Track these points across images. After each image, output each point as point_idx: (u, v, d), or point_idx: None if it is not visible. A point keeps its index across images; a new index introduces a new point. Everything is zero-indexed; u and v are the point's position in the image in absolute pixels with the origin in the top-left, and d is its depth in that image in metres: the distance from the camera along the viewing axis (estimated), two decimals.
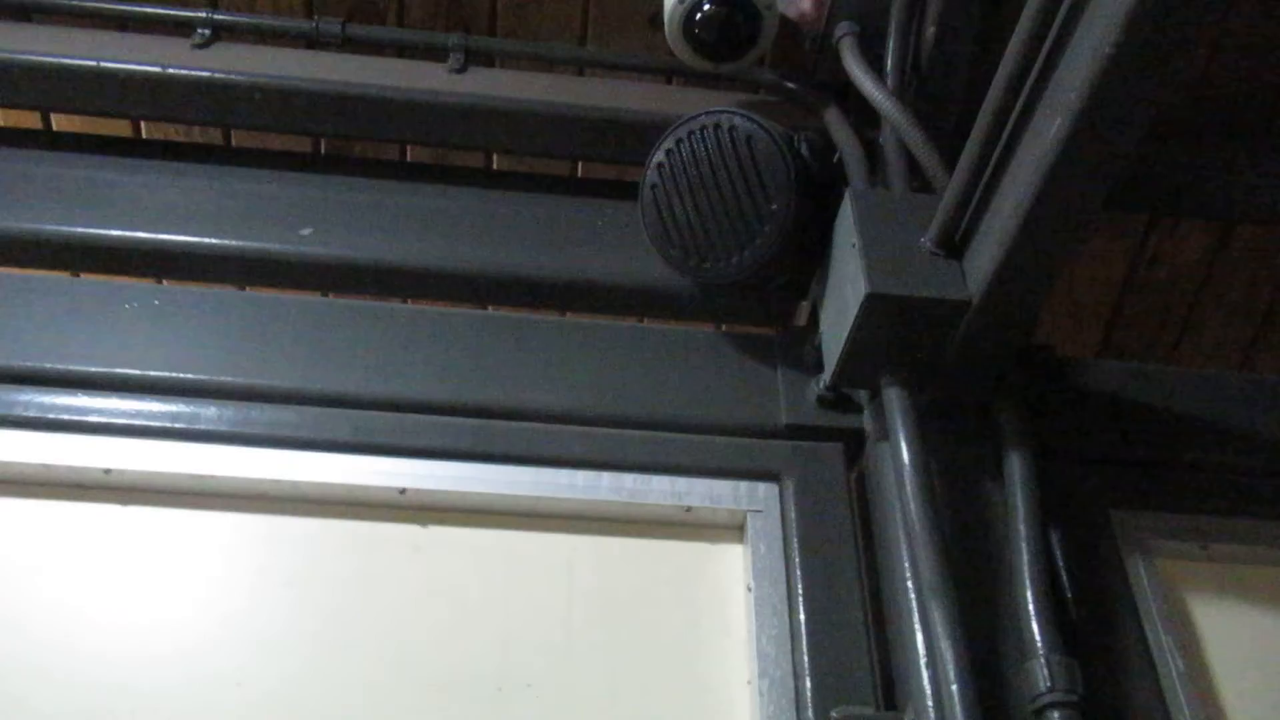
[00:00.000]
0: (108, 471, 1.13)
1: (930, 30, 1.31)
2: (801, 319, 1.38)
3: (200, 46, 1.44)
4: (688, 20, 1.32)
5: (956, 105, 1.34)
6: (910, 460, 1.08)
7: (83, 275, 1.42)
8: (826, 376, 1.21)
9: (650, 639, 1.10)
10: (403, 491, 1.15)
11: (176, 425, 1.16)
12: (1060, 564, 1.13)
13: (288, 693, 1.03)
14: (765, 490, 1.19)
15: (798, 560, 1.13)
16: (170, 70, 1.38)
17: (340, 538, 1.14)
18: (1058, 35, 0.91)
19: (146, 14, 1.47)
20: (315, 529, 1.14)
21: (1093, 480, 1.21)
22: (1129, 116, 0.89)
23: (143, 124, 1.58)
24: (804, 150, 1.22)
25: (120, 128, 1.56)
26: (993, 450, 1.16)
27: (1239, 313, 1.81)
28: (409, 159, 1.63)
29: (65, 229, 1.35)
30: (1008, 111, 0.98)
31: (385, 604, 1.10)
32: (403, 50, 1.52)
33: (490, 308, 1.47)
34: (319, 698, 1.04)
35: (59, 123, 1.57)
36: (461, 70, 1.47)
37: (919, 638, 1.02)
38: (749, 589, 1.13)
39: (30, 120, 1.57)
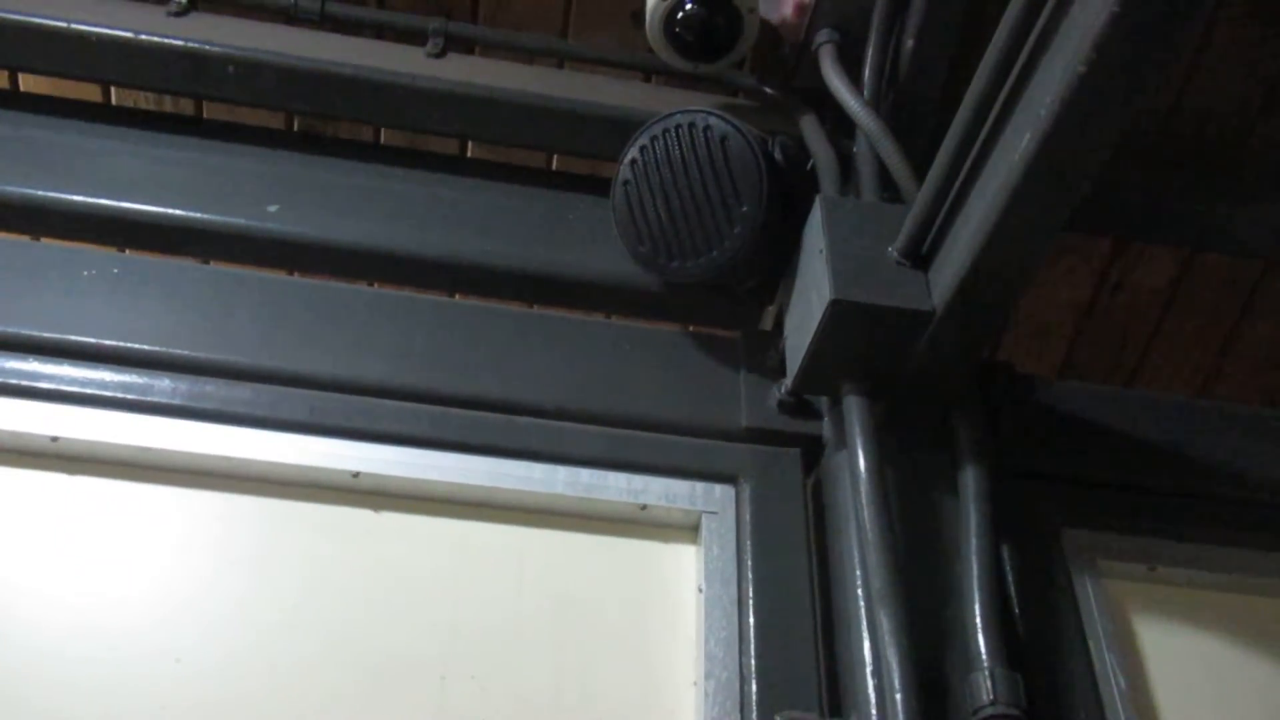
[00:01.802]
0: (55, 439, 1.11)
1: (909, 43, 1.31)
2: (767, 323, 1.38)
3: (176, 15, 1.42)
4: (669, 19, 1.32)
5: (932, 118, 1.34)
6: (866, 469, 1.09)
7: (42, 239, 1.40)
8: (788, 381, 1.21)
9: (599, 635, 1.10)
10: (356, 475, 1.14)
11: (128, 396, 1.14)
12: (1010, 579, 1.14)
13: (227, 672, 1.02)
14: (721, 492, 1.19)
15: (750, 563, 1.13)
16: (143, 37, 1.36)
17: (290, 518, 1.12)
18: (1030, 53, 0.92)
19: None
20: (265, 508, 1.13)
21: (1045, 498, 1.23)
22: (1097, 136, 0.89)
23: (113, 90, 1.56)
24: (778, 154, 1.22)
25: (90, 92, 1.53)
26: (949, 463, 1.16)
27: (1199, 340, 1.83)
28: (383, 141, 1.61)
29: (27, 191, 1.33)
30: (979, 126, 0.99)
31: (332, 587, 1.09)
32: (382, 32, 1.50)
33: (456, 295, 1.46)
34: (258, 678, 1.02)
35: (26, 83, 1.54)
36: (440, 55, 1.46)
37: (866, 645, 1.03)
38: (700, 590, 1.12)
39: None
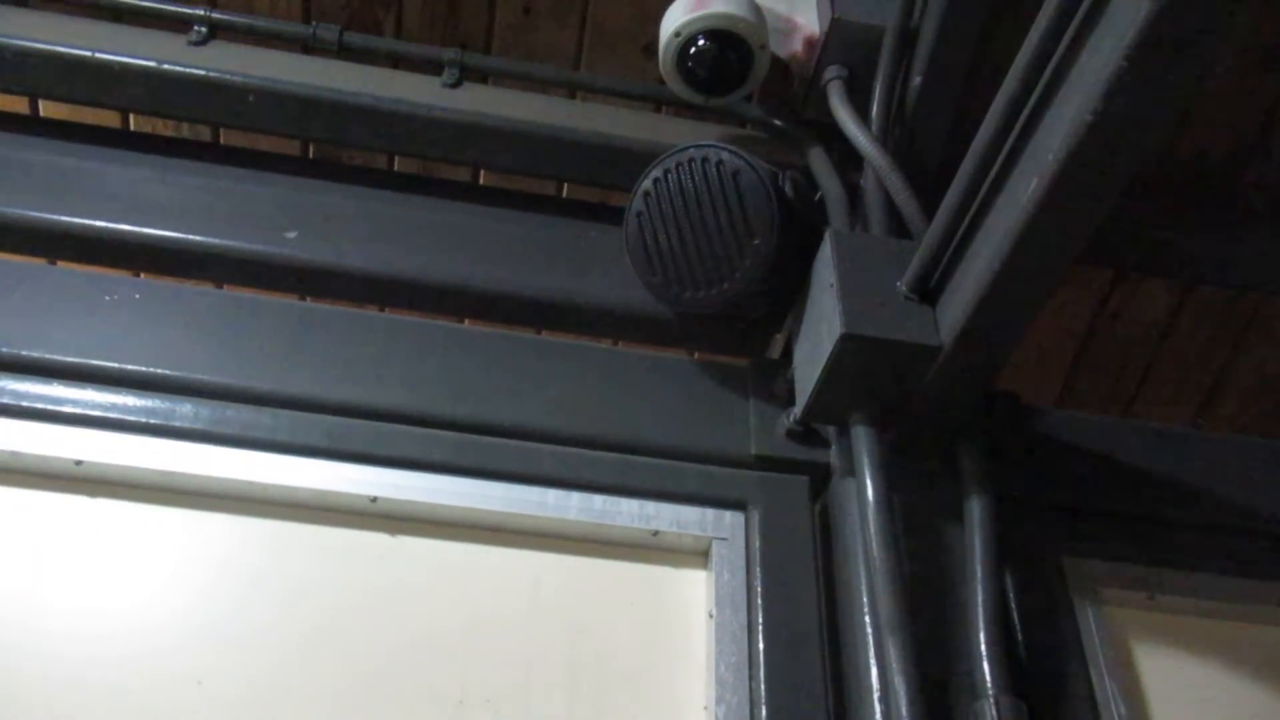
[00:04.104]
0: (79, 463, 1.12)
1: (916, 80, 1.34)
2: (775, 351, 1.41)
3: (196, 44, 1.44)
4: (682, 54, 1.35)
5: (937, 153, 1.38)
6: (874, 498, 1.11)
7: (59, 264, 1.42)
8: (797, 411, 1.24)
9: (611, 660, 1.12)
10: (374, 500, 1.16)
11: (151, 421, 1.16)
12: (1013, 606, 1.16)
13: (248, 694, 1.04)
14: (731, 518, 1.22)
15: (759, 589, 1.15)
16: (165, 66, 1.39)
17: (309, 543, 1.14)
18: (1039, 100, 0.95)
19: (145, 7, 1.47)
20: (285, 532, 1.15)
21: (1048, 526, 1.25)
22: (1103, 182, 0.92)
23: (131, 116, 1.58)
24: (788, 188, 1.25)
25: (109, 118, 1.56)
26: (954, 492, 1.19)
27: (1194, 369, 1.87)
28: (397, 169, 1.64)
29: (46, 216, 1.35)
30: (987, 168, 1.01)
31: (350, 611, 1.11)
32: (398, 61, 1.53)
33: (466, 321, 1.48)
34: (278, 700, 1.04)
35: (46, 109, 1.57)
36: (455, 85, 1.49)
37: (873, 672, 1.05)
38: (711, 615, 1.15)
39: (16, 105, 1.56)
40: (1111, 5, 0.86)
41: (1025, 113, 0.96)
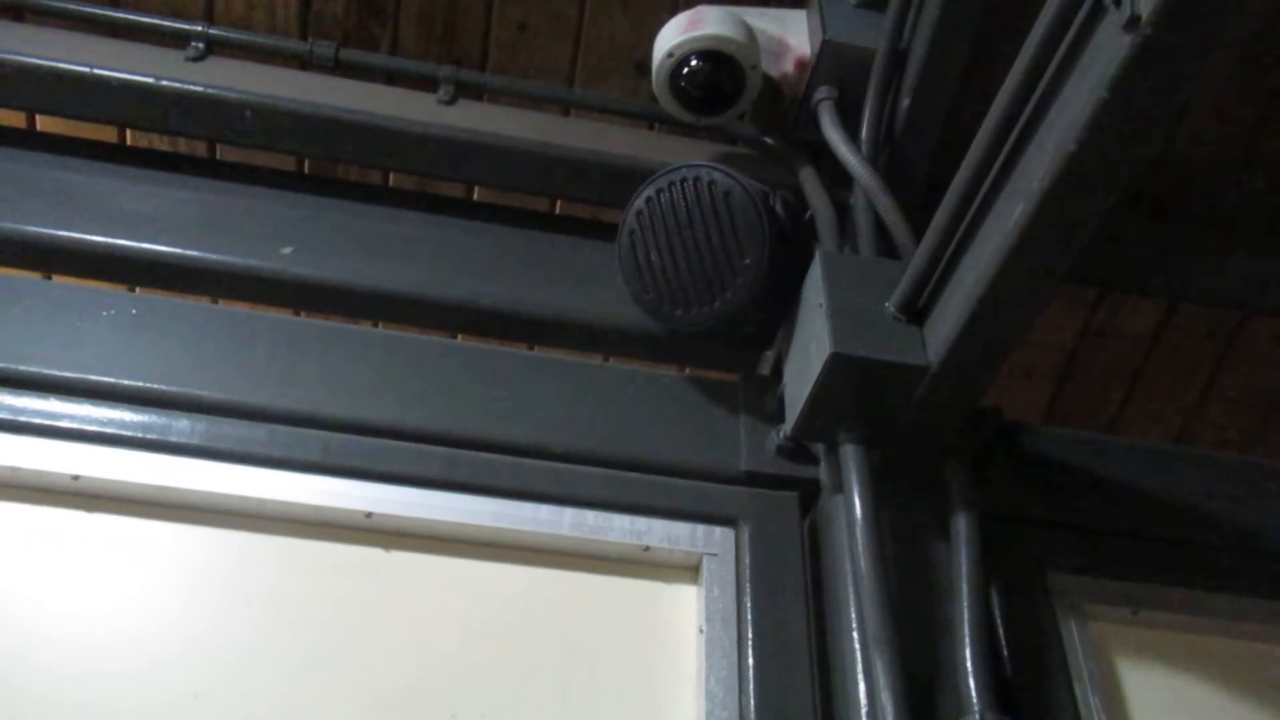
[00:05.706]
0: (76, 478, 1.13)
1: (906, 101, 1.36)
2: (765, 368, 1.43)
3: (194, 60, 1.46)
4: (675, 74, 1.37)
5: (925, 174, 1.40)
6: (862, 515, 1.13)
7: (55, 278, 1.43)
8: (787, 428, 1.25)
9: (603, 674, 1.13)
10: (368, 515, 1.17)
11: (148, 436, 1.17)
12: (998, 621, 1.18)
13: (245, 708, 1.04)
14: (721, 534, 1.23)
15: (749, 605, 1.16)
16: (163, 82, 1.40)
17: (304, 558, 1.15)
18: (1024, 127, 0.96)
19: (142, 23, 1.49)
20: (280, 547, 1.15)
21: (1032, 542, 1.27)
22: (1087, 207, 0.94)
23: (128, 131, 1.59)
24: (778, 208, 1.27)
25: (105, 133, 1.56)
26: (940, 508, 1.20)
27: (1179, 385, 1.89)
28: (391, 185, 1.65)
29: (43, 231, 1.36)
30: (974, 192, 1.03)
31: (344, 625, 1.12)
32: (394, 78, 1.55)
33: (459, 337, 1.50)
34: (274, 714, 1.05)
35: (43, 124, 1.58)
36: (451, 102, 1.50)
37: (861, 688, 1.06)
38: (701, 630, 1.16)
39: (13, 119, 1.57)
40: (1096, 36, 0.88)
41: (1011, 138, 0.98)
